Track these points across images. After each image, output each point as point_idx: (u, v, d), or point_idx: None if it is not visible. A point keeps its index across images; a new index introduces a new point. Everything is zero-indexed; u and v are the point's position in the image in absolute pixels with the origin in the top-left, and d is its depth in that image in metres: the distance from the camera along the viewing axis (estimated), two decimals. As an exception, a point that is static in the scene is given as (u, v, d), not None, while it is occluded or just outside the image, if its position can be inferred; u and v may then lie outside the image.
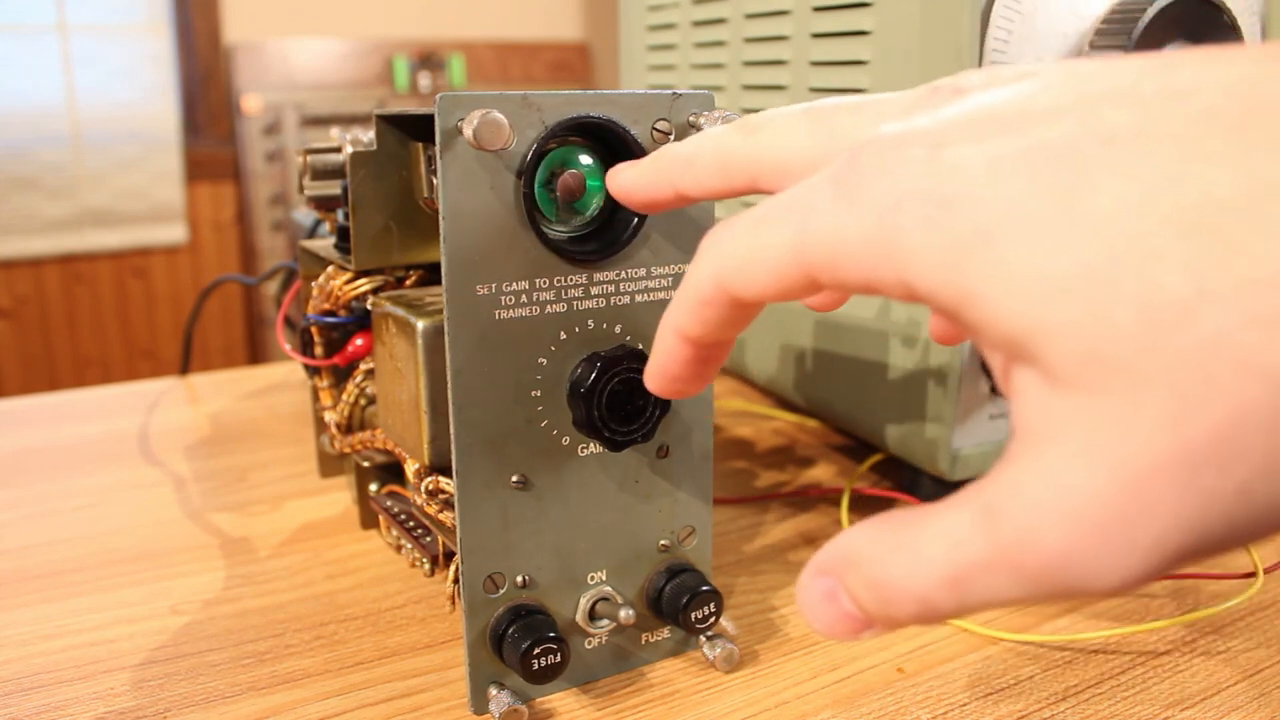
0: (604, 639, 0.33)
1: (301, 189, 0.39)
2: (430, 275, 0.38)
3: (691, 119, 0.30)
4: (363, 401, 0.42)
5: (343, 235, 0.39)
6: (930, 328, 0.26)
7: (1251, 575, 0.37)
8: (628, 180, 0.27)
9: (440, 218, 0.27)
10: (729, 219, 0.20)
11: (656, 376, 0.24)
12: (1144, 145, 0.15)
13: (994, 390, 0.42)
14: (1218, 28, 0.40)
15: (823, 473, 0.50)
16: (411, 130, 0.35)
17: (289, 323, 0.52)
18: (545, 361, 0.30)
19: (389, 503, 0.39)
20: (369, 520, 0.43)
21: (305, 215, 0.53)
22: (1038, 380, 0.15)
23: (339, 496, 0.47)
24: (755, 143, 0.23)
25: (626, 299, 0.31)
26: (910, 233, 0.16)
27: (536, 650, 0.30)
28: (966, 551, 0.16)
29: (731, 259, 0.20)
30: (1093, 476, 0.14)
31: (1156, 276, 0.14)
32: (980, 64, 0.39)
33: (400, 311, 0.34)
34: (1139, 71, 0.16)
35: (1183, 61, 0.16)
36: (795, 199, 0.19)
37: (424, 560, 0.36)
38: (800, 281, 0.19)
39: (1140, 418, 0.14)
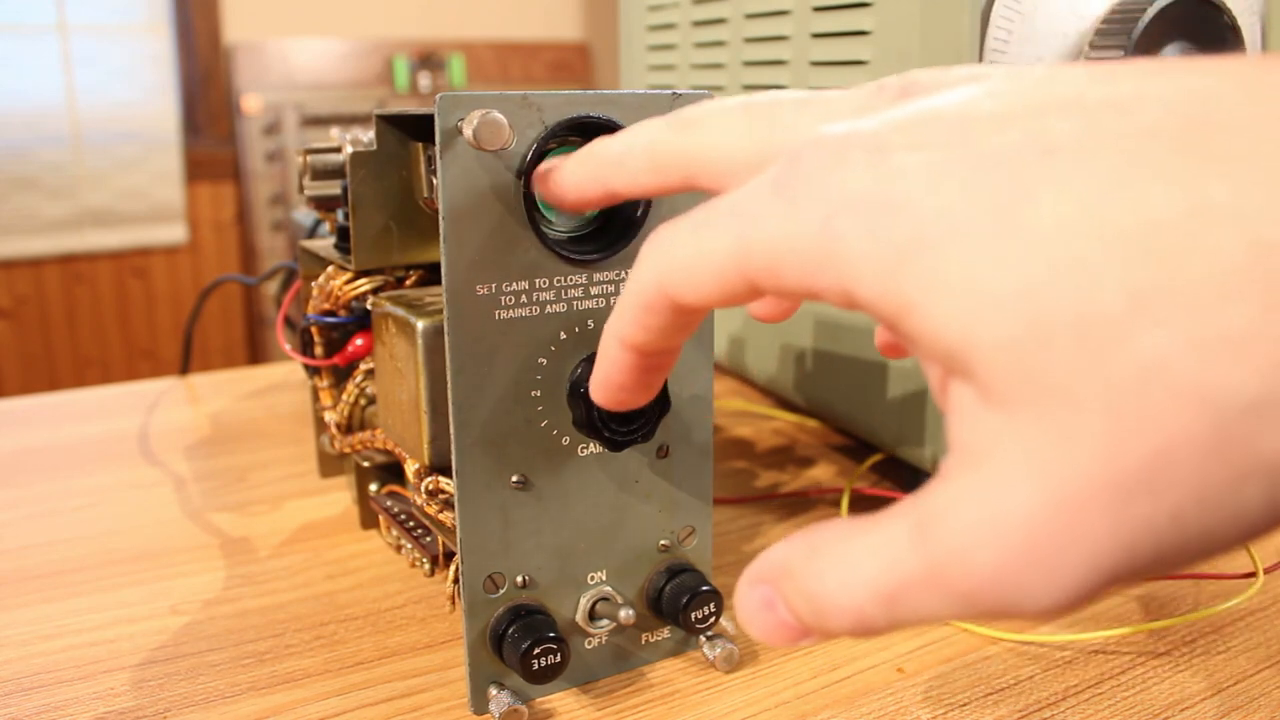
0: (604, 639, 0.33)
1: (301, 189, 0.39)
2: (430, 275, 0.38)
3: (691, 119, 0.30)
4: (363, 401, 0.42)
5: (343, 235, 0.39)
6: (876, 339, 0.26)
7: (1251, 575, 0.37)
8: (557, 182, 0.26)
9: (440, 218, 0.27)
10: (670, 222, 0.20)
11: (601, 387, 0.23)
12: (1085, 158, 0.14)
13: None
14: (1218, 28, 0.40)
15: (823, 473, 0.50)
16: (411, 130, 0.35)
17: (289, 323, 0.52)
18: (545, 361, 0.30)
19: (389, 503, 0.39)
20: (369, 520, 0.43)
21: (305, 215, 0.53)
22: (973, 396, 0.15)
23: (339, 496, 0.47)
24: (691, 139, 0.22)
25: (626, 299, 0.31)
26: (850, 240, 0.16)
27: (536, 650, 0.30)
28: (899, 568, 0.16)
29: (673, 264, 0.19)
30: (1025, 498, 0.14)
31: (1093, 295, 0.14)
32: (980, 63, 0.39)
33: (400, 311, 0.34)
34: (1084, 81, 0.15)
35: (1128, 73, 0.15)
36: (736, 202, 0.18)
37: (424, 560, 0.36)
38: (743, 287, 0.18)
39: (1074, 440, 0.14)
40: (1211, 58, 0.15)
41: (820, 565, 0.17)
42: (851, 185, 0.16)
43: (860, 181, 0.16)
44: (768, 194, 0.17)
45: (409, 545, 0.37)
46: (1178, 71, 0.15)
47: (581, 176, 0.25)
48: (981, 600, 0.15)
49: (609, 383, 0.23)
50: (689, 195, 0.30)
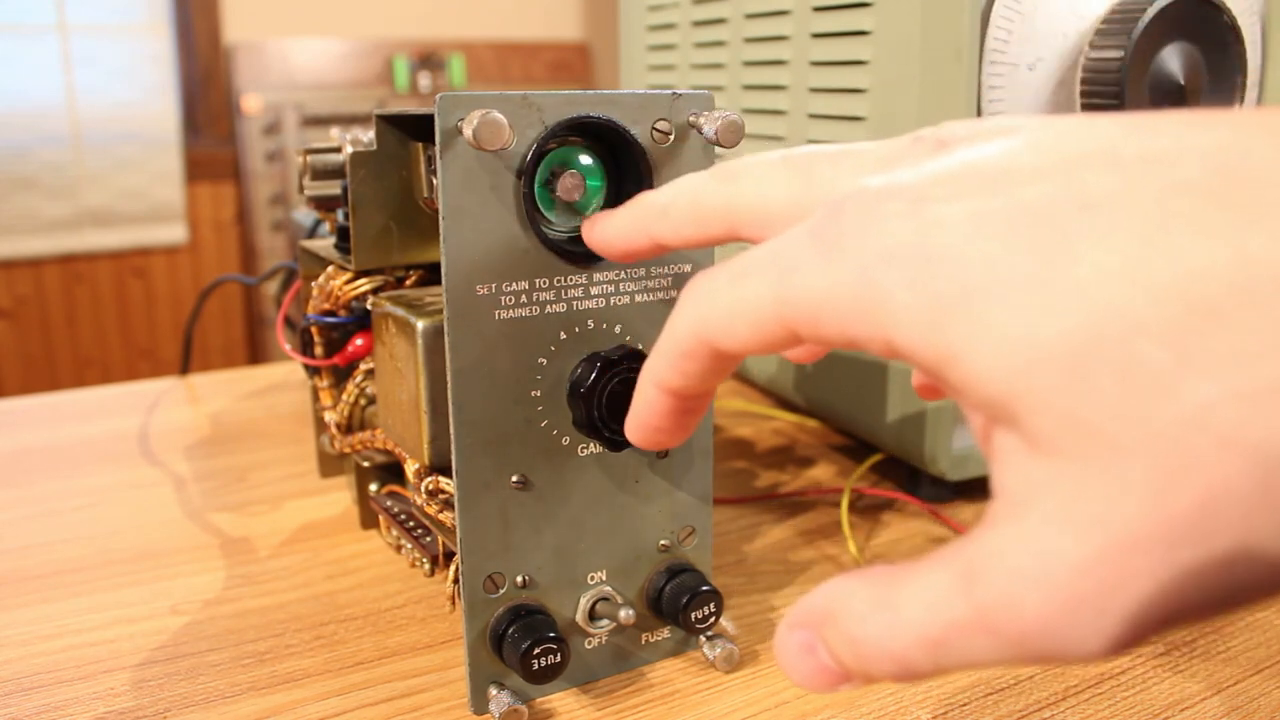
0: (604, 639, 0.33)
1: (301, 189, 0.39)
2: (430, 275, 0.38)
3: (691, 119, 0.30)
4: (363, 401, 0.42)
5: (343, 235, 0.39)
6: (914, 382, 0.26)
7: (1251, 575, 0.37)
8: (604, 231, 0.26)
9: (440, 218, 0.27)
10: (708, 271, 0.20)
11: (637, 429, 0.24)
12: (1122, 212, 0.15)
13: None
14: (1218, 28, 0.40)
15: (823, 473, 0.50)
16: (411, 130, 0.35)
17: (289, 323, 0.52)
18: (545, 361, 0.30)
19: (389, 503, 0.39)
20: (369, 520, 0.43)
21: (305, 215, 0.53)
22: (1019, 444, 0.15)
23: (339, 496, 0.47)
24: (732, 191, 0.23)
25: (626, 299, 0.31)
26: (892, 290, 0.16)
27: (536, 650, 0.30)
28: (945, 613, 0.16)
29: (712, 312, 0.20)
30: (1072, 545, 0.14)
31: (1138, 347, 0.14)
32: (980, 64, 0.39)
33: (400, 311, 0.34)
34: (1120, 134, 0.16)
35: (1164, 125, 0.16)
36: (776, 252, 0.18)
37: (424, 560, 0.36)
38: (782, 336, 0.18)
39: (1120, 488, 0.14)
40: (1245, 110, 0.15)
41: (863, 610, 0.17)
42: (891, 236, 0.16)
43: (900, 233, 0.16)
44: (807, 244, 0.18)
45: (409, 545, 0.37)
46: (1211, 124, 0.15)
47: (627, 227, 0.25)
48: (1030, 646, 0.15)
49: (645, 425, 0.23)
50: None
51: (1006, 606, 0.15)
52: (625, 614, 0.31)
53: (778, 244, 0.19)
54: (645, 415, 0.23)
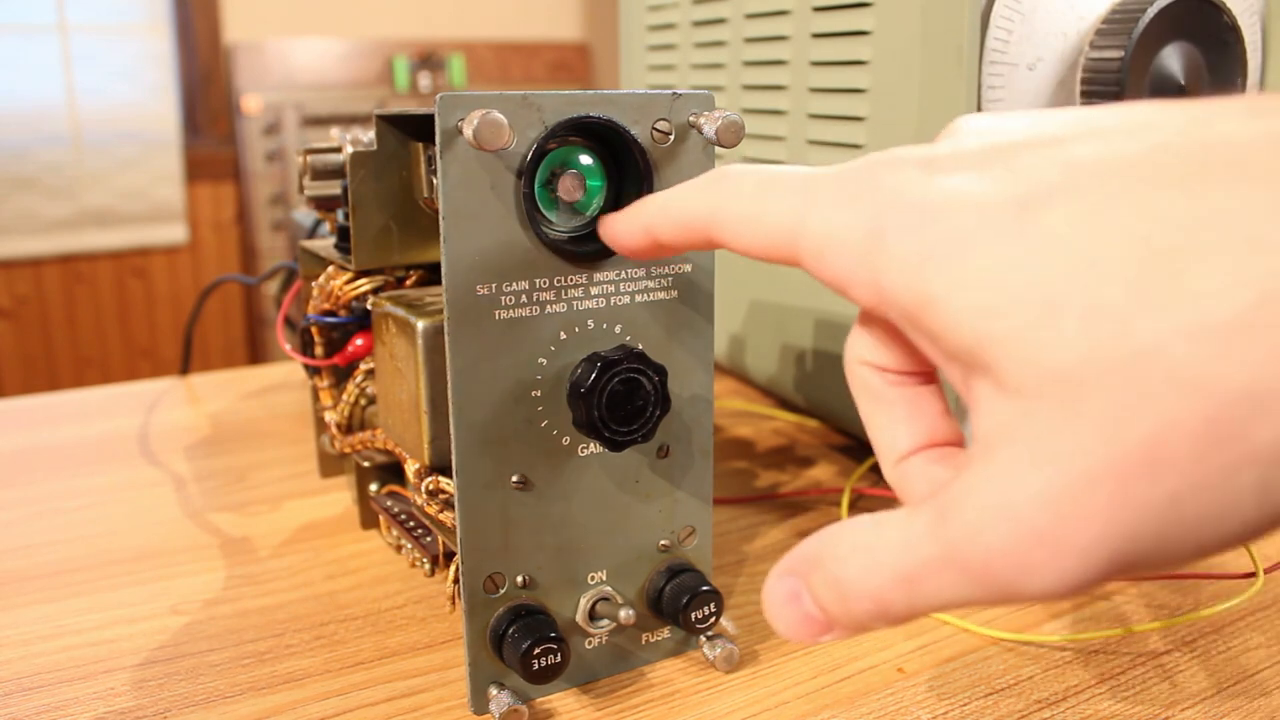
0: (604, 639, 0.33)
1: (301, 189, 0.39)
2: (430, 275, 0.38)
3: (691, 119, 0.30)
4: (363, 401, 0.42)
5: (343, 235, 0.39)
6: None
7: (1251, 575, 0.37)
8: (614, 228, 0.27)
9: (440, 218, 0.27)
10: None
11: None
12: (1099, 171, 0.16)
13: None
14: (1218, 28, 0.40)
15: (823, 473, 0.50)
16: (411, 130, 0.35)
17: (289, 323, 0.52)
18: (545, 361, 0.30)
19: (389, 503, 0.39)
20: (369, 520, 0.43)
21: (305, 215, 0.53)
22: (991, 388, 0.16)
23: (339, 496, 0.47)
24: (715, 199, 0.23)
25: (626, 299, 0.31)
26: (890, 235, 0.17)
27: (536, 650, 0.30)
28: (918, 552, 0.17)
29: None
30: (1033, 480, 0.15)
31: (1100, 289, 0.15)
32: (980, 64, 0.39)
33: (400, 311, 0.34)
34: (1104, 114, 0.17)
35: (1143, 105, 0.17)
36: (807, 184, 0.20)
37: (424, 560, 0.36)
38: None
39: (1078, 425, 0.15)
40: (1214, 98, 0.17)
41: (845, 552, 0.18)
42: (903, 193, 0.18)
43: (910, 191, 0.18)
44: (834, 186, 0.19)
45: (409, 545, 0.37)
46: (1184, 104, 0.16)
47: (632, 225, 0.26)
48: (993, 579, 0.16)
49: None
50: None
51: (971, 541, 0.16)
52: (625, 614, 0.31)
53: (810, 176, 0.20)
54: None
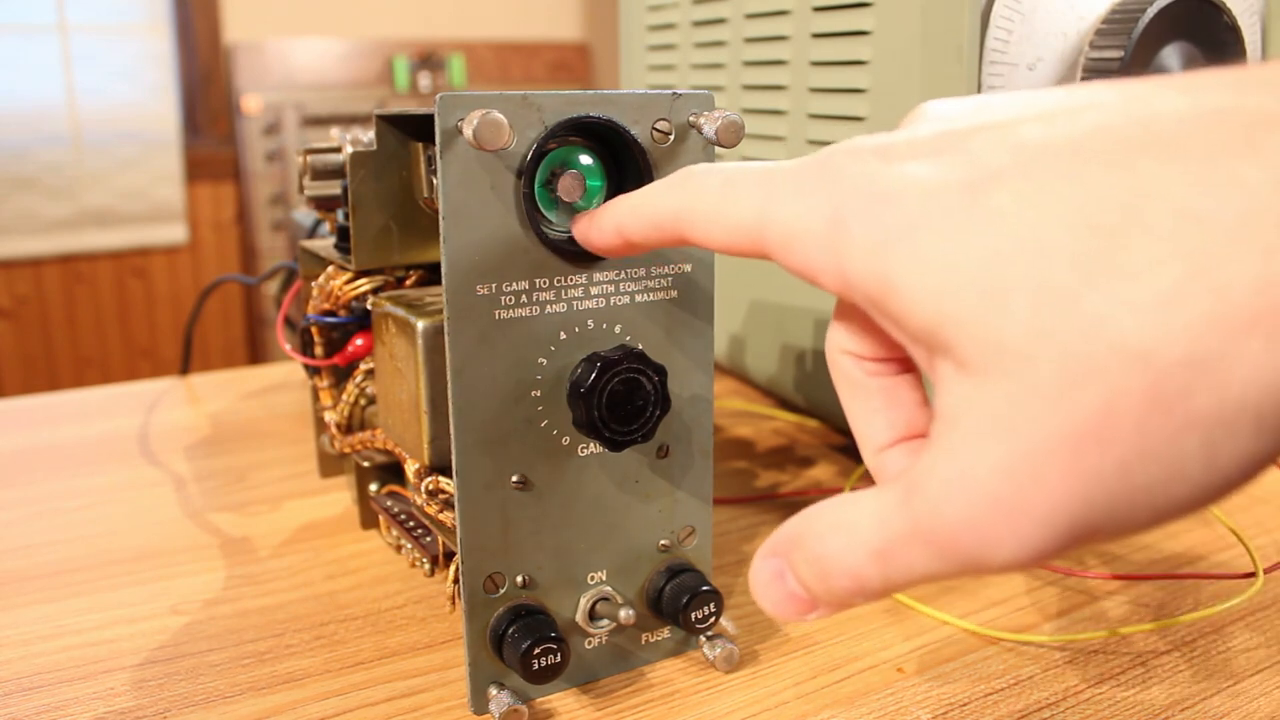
0: (604, 639, 0.33)
1: (301, 189, 0.39)
2: (430, 275, 0.38)
3: (691, 119, 0.30)
4: (363, 401, 0.42)
5: (343, 235, 0.39)
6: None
7: (1251, 575, 0.37)
8: (586, 228, 0.28)
9: (440, 218, 0.27)
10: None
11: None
12: (1044, 151, 0.16)
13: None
14: (1218, 28, 0.40)
15: (823, 473, 0.50)
16: (411, 130, 0.35)
17: (289, 323, 0.52)
18: (545, 361, 0.30)
19: (389, 503, 0.39)
20: (369, 520, 0.43)
21: (305, 215, 0.53)
22: (952, 368, 0.17)
23: (339, 496, 0.47)
24: (680, 199, 0.24)
25: (626, 299, 0.31)
26: (851, 221, 0.18)
27: (536, 650, 0.30)
28: (889, 527, 0.17)
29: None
30: (991, 453, 0.16)
31: (1047, 266, 0.15)
32: (980, 64, 0.39)
33: (400, 311, 0.34)
34: (1051, 96, 0.18)
35: (1088, 87, 0.18)
36: (768, 176, 0.20)
37: (424, 560, 0.36)
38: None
39: (1030, 398, 0.15)
40: (1155, 77, 0.17)
41: (824, 530, 0.19)
42: (861, 179, 0.18)
43: (868, 177, 0.18)
44: (794, 177, 0.20)
45: (409, 545, 0.37)
46: (1129, 81, 0.17)
47: (603, 224, 0.27)
48: (957, 552, 0.16)
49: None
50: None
51: (935, 514, 0.16)
52: (625, 614, 0.31)
53: (771, 169, 0.20)
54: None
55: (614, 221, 0.26)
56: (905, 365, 0.22)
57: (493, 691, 0.31)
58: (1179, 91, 0.16)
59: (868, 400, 0.22)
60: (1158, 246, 0.14)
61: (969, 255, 0.16)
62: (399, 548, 0.41)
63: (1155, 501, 0.15)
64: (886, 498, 0.18)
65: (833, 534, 0.18)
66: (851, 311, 0.22)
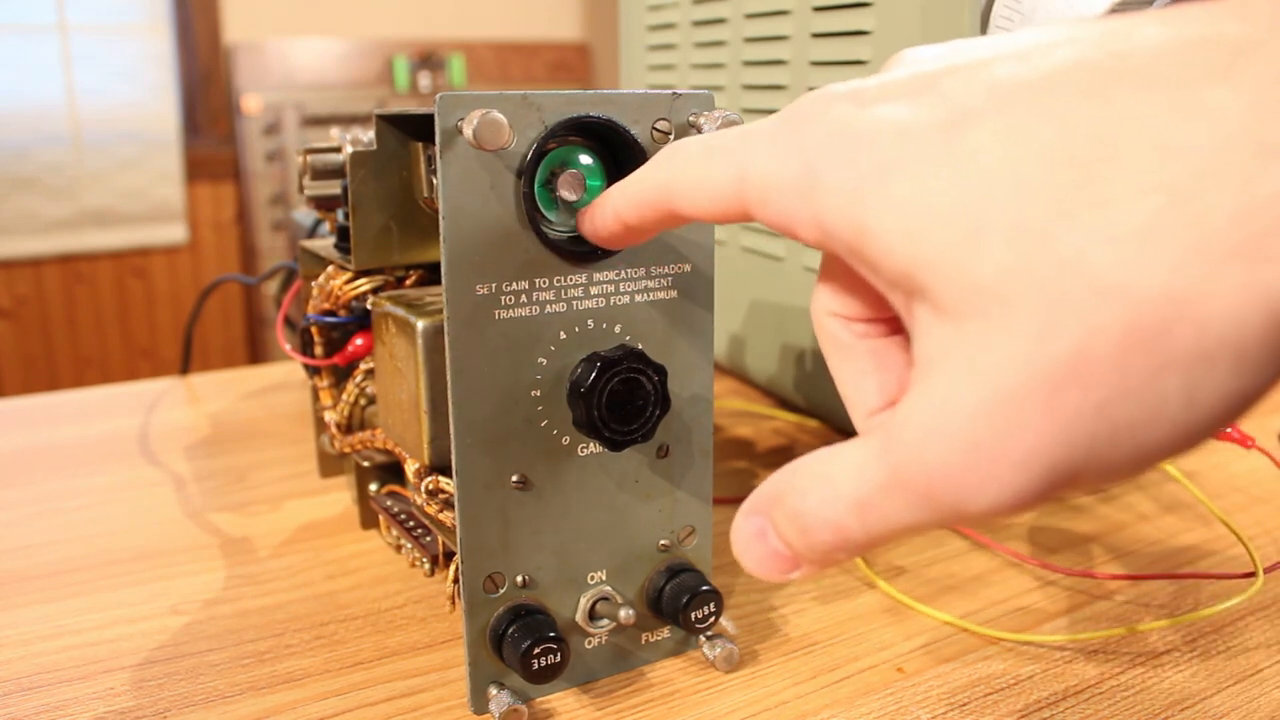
0: (604, 639, 0.33)
1: (301, 189, 0.39)
2: (430, 275, 0.38)
3: (691, 119, 0.30)
4: (363, 401, 0.42)
5: (343, 235, 0.39)
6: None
7: (1251, 575, 0.37)
8: (591, 220, 0.28)
9: (440, 218, 0.27)
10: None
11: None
12: (1019, 88, 0.16)
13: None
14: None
15: (823, 473, 0.50)
16: (411, 130, 0.35)
17: (289, 323, 0.52)
18: (545, 361, 0.30)
19: (389, 503, 0.39)
20: (369, 520, 0.43)
21: (305, 215, 0.53)
22: (929, 312, 0.16)
23: (339, 496, 0.47)
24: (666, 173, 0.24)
25: (626, 299, 0.31)
26: (825, 171, 0.18)
27: (536, 650, 0.30)
28: (868, 477, 0.17)
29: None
30: (967, 397, 0.15)
31: (1022, 205, 0.15)
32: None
33: (400, 311, 0.34)
34: (1027, 36, 0.17)
35: (1061, 23, 0.17)
36: (743, 137, 0.20)
37: (424, 560, 0.36)
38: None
39: (1007, 339, 0.15)
40: (1130, 13, 0.17)
41: (805, 485, 0.18)
42: (833, 125, 0.18)
43: (840, 124, 0.18)
44: (768, 133, 0.19)
45: (409, 545, 0.37)
46: (1109, 18, 0.17)
47: (603, 211, 0.27)
48: (937, 497, 0.16)
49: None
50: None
51: (914, 461, 0.16)
52: (625, 614, 0.31)
53: (747, 129, 0.20)
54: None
55: (611, 208, 0.26)
56: (894, 327, 0.21)
57: (493, 691, 0.31)
58: (1157, 23, 0.15)
59: (856, 363, 0.21)
60: (1135, 179, 0.14)
61: (943, 196, 0.16)
62: (399, 547, 0.41)
63: (1136, 443, 0.15)
64: (866, 448, 0.17)
65: (814, 488, 0.18)
66: (836, 271, 0.21)
